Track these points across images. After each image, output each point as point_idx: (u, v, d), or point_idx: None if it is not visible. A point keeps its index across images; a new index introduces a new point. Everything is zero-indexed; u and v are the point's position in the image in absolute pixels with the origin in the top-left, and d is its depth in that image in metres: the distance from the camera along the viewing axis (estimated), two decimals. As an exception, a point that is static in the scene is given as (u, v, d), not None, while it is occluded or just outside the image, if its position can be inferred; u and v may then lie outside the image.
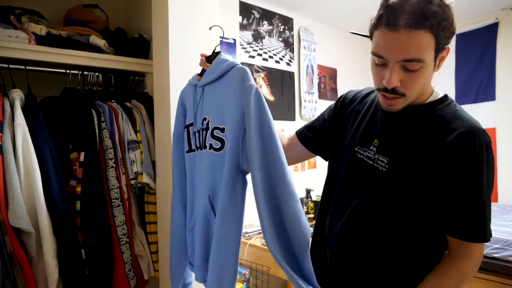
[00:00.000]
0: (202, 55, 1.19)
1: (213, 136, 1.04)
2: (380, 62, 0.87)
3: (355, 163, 1.04)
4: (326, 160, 1.23)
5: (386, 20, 0.80)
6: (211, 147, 1.04)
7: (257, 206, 0.94)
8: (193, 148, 1.16)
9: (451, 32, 0.85)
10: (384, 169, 0.95)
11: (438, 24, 0.80)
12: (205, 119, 1.09)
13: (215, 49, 1.17)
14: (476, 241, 0.87)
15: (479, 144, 0.83)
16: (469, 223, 0.86)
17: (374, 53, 0.87)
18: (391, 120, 0.98)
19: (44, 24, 1.62)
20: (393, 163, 0.93)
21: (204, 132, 1.08)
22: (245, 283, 2.26)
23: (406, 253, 0.95)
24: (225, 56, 1.09)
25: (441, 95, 0.96)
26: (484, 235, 0.86)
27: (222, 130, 1.02)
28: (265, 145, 0.93)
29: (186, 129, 1.20)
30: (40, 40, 1.54)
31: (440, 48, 0.85)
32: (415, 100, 0.93)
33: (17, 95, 1.43)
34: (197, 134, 1.13)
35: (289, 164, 1.02)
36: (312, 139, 1.23)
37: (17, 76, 1.54)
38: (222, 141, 1.02)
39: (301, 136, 1.26)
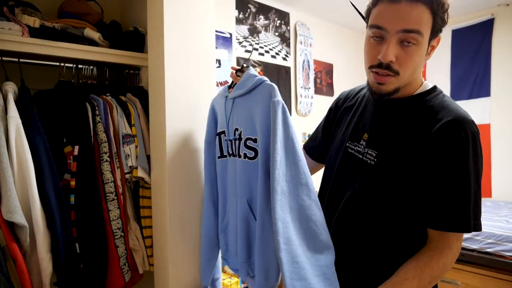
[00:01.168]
0: (233, 68, 1.31)
1: (246, 146, 1.13)
2: (378, 35, 0.86)
3: (346, 158, 1.06)
4: None
5: None
6: (245, 156, 1.13)
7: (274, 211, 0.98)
8: (224, 154, 1.27)
9: (444, 20, 0.86)
10: (373, 163, 0.96)
11: (437, 4, 0.82)
12: (237, 129, 1.19)
13: (244, 64, 1.28)
14: (456, 230, 0.86)
15: (465, 134, 0.82)
16: (451, 213, 0.84)
17: (373, 25, 0.86)
18: (380, 114, 0.98)
19: (37, 16, 1.60)
20: (381, 156, 0.93)
21: (237, 142, 1.17)
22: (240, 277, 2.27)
23: (395, 243, 0.96)
24: (253, 71, 1.20)
25: (431, 86, 0.96)
26: (467, 225, 0.84)
27: (255, 140, 1.11)
28: (289, 156, 1.01)
29: (218, 137, 1.31)
30: (34, 33, 1.52)
31: (435, 30, 0.86)
32: (404, 91, 0.93)
33: (10, 88, 1.41)
34: (229, 142, 1.22)
35: None
36: (316, 148, 1.28)
37: (10, 69, 1.52)
38: (255, 150, 1.11)
39: (308, 150, 1.33)
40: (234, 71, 1.29)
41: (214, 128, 1.37)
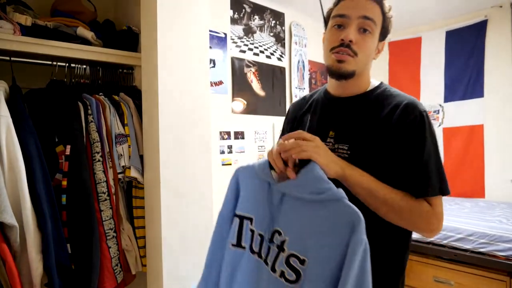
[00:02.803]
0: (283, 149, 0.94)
1: (288, 264, 0.88)
2: (340, 22, 0.99)
3: None
4: None
5: None
6: (282, 274, 0.88)
7: None
8: (243, 245, 0.99)
9: (388, 29, 1.04)
10: (347, 155, 1.00)
11: (385, 11, 1.01)
12: (278, 232, 0.92)
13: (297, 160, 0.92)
14: (430, 195, 0.93)
15: (420, 113, 0.95)
16: (422, 180, 0.93)
17: (336, 15, 1.00)
18: (341, 110, 1.06)
19: (30, 14, 1.59)
20: (354, 148, 0.99)
21: (276, 250, 0.91)
22: None
23: (380, 230, 0.97)
24: (319, 171, 0.88)
25: (378, 82, 1.08)
26: (437, 188, 0.94)
27: (302, 262, 0.86)
28: None
29: (238, 218, 1.02)
30: (26, 31, 1.50)
31: (383, 32, 1.02)
32: (359, 89, 1.04)
33: (1, 87, 1.39)
34: (257, 237, 0.96)
35: None
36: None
37: (2, 68, 1.50)
38: (298, 274, 0.86)
39: None
40: (278, 154, 0.93)
41: (233, 204, 1.07)
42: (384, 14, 1.00)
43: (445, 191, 0.95)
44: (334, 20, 1.01)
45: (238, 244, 1.00)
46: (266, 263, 0.91)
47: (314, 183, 0.88)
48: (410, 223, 0.94)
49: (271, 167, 0.96)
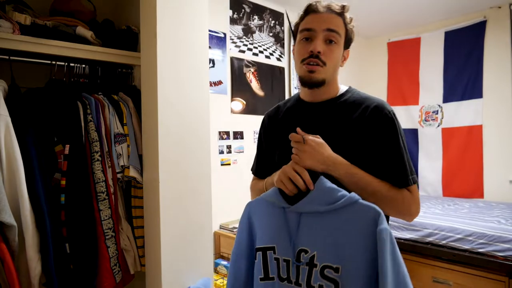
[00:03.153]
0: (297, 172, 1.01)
1: (323, 276, 0.92)
2: (308, 35, 1.08)
3: None
4: None
5: (311, 9, 1.09)
6: None
7: None
8: (271, 276, 1.02)
9: (351, 38, 1.13)
10: None
11: (347, 23, 1.10)
12: (305, 251, 0.96)
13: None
14: (403, 186, 1.02)
15: (389, 112, 1.05)
16: (396, 173, 1.03)
17: (303, 29, 1.09)
18: (316, 115, 1.12)
19: (29, 13, 1.59)
20: (332, 148, 1.03)
21: (306, 268, 0.95)
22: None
23: None
24: (327, 183, 0.96)
25: (347, 87, 1.17)
26: (408, 179, 1.03)
27: (336, 270, 0.91)
28: None
29: (261, 252, 1.04)
30: (25, 30, 1.50)
31: (346, 41, 1.11)
32: (329, 94, 1.12)
33: (0, 86, 1.39)
34: (283, 264, 1.00)
35: None
36: (270, 168, 1.22)
37: (1, 67, 1.50)
38: (335, 282, 0.91)
39: (261, 174, 1.28)
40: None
41: (249, 240, 1.10)
42: (346, 25, 1.09)
43: (417, 180, 1.06)
44: (302, 34, 1.10)
45: (266, 277, 1.03)
46: (299, 285, 0.95)
47: (329, 195, 0.95)
48: (394, 210, 1.03)
49: (281, 192, 1.01)
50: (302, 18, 1.13)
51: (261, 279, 1.03)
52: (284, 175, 0.99)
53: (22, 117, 1.39)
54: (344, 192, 0.94)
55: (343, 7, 1.10)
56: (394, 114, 1.07)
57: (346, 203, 0.93)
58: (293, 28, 1.17)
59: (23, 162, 1.32)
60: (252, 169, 1.35)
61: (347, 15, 1.11)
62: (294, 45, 1.17)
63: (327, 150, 1.01)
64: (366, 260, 0.89)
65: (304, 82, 1.10)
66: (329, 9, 1.08)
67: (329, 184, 0.96)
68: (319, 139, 1.01)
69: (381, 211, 0.91)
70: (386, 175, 1.03)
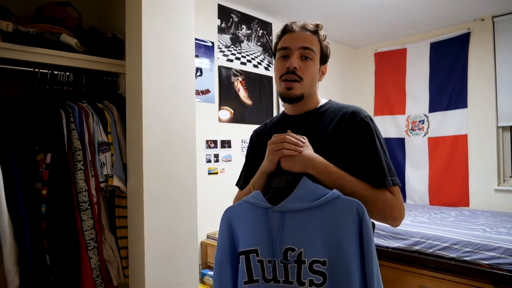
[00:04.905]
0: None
1: (312, 271, 0.97)
2: (285, 54, 1.14)
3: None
4: None
5: (287, 29, 1.17)
6: (311, 283, 0.97)
7: None
8: (255, 278, 1.03)
9: (327, 54, 1.19)
10: None
11: (321, 40, 1.17)
12: (291, 250, 0.99)
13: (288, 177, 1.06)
14: (383, 186, 1.04)
15: (365, 117, 1.10)
16: (376, 173, 1.05)
17: (281, 48, 1.16)
18: (299, 126, 1.17)
19: (12, 20, 1.57)
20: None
21: (294, 265, 0.99)
22: None
23: None
24: (310, 183, 1.02)
25: (326, 100, 1.24)
26: (388, 180, 1.05)
27: (323, 263, 0.97)
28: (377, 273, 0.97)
29: (243, 255, 1.06)
30: (7, 37, 1.48)
31: (322, 56, 1.17)
32: (310, 106, 1.19)
33: (-20, 93, 1.37)
34: (268, 265, 1.03)
35: None
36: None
37: (-19, 74, 1.47)
38: (323, 275, 0.96)
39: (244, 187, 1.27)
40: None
41: (230, 245, 1.11)
42: (320, 42, 1.16)
43: (398, 183, 1.08)
44: (280, 52, 1.17)
45: (250, 280, 1.04)
46: (290, 283, 0.98)
47: (314, 192, 1.00)
48: (375, 212, 1.02)
49: (263, 194, 1.05)
50: (279, 37, 1.20)
51: (245, 282, 1.05)
52: (273, 146, 1.06)
53: (1, 125, 1.36)
54: (327, 190, 0.99)
55: (317, 25, 1.18)
56: (370, 118, 1.11)
57: (330, 198, 0.98)
58: (273, 49, 1.24)
59: (2, 171, 1.29)
60: (237, 184, 1.35)
61: (322, 32, 1.18)
62: (274, 64, 1.23)
63: (304, 149, 1.05)
64: (352, 249, 0.95)
65: (284, 98, 1.17)
66: (303, 28, 1.16)
67: (310, 183, 1.02)
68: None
69: (362, 205, 0.97)
70: (364, 176, 1.05)
